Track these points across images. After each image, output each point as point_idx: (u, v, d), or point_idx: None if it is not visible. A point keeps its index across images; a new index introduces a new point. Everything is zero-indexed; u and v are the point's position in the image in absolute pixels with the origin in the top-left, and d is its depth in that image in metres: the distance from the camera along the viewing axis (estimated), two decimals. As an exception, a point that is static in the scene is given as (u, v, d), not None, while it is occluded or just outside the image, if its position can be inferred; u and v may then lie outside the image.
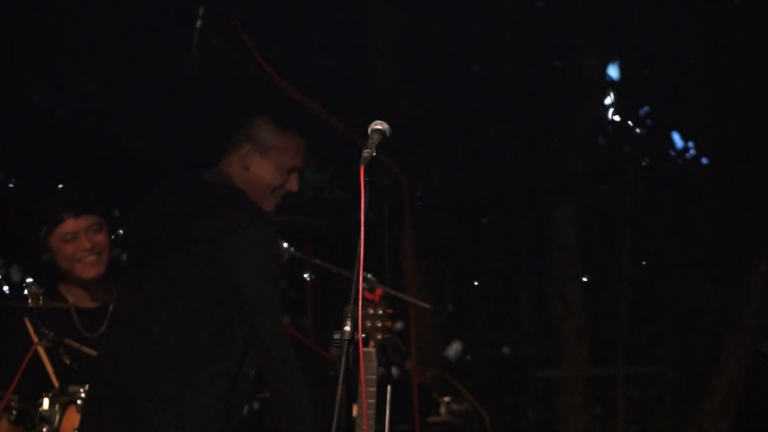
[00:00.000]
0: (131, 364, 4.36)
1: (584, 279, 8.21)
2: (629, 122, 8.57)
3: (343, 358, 3.97)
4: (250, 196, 4.44)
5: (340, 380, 3.96)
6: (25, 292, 5.60)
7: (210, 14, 6.28)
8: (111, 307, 5.72)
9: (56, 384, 5.56)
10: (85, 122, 8.07)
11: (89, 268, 5.86)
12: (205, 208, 4.40)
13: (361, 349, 4.00)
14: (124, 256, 4.46)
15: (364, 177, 4.16)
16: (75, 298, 5.86)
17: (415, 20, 8.05)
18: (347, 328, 3.99)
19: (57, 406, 5.55)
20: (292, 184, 4.45)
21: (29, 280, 7.83)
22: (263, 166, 4.44)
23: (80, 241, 5.84)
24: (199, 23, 6.18)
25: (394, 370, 6.95)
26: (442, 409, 6.69)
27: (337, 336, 4.01)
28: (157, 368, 4.33)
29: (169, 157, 8.21)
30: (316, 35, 8.11)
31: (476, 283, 8.80)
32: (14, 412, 5.52)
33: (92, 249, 5.87)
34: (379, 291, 6.30)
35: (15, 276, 8.35)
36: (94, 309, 5.79)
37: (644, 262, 8.55)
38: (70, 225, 5.84)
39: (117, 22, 7.68)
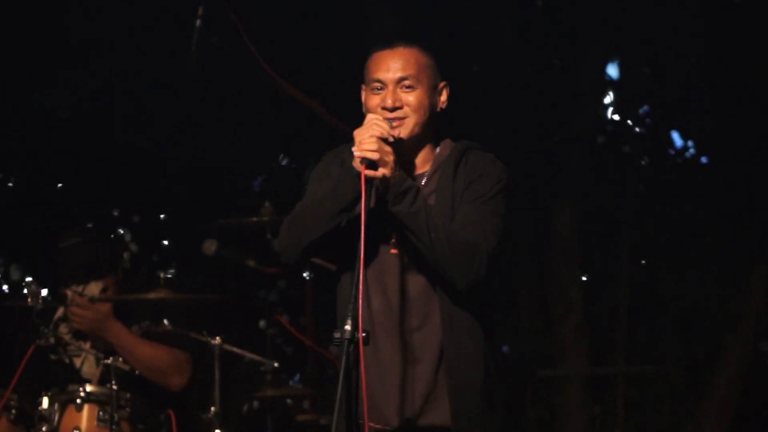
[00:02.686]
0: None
1: (584, 278, 8.21)
2: (629, 121, 8.57)
3: (344, 357, 3.97)
4: None
5: (341, 379, 3.96)
6: (24, 291, 5.62)
7: (210, 14, 6.29)
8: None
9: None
10: (85, 122, 8.08)
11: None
12: None
13: (362, 348, 4.00)
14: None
15: (365, 177, 4.17)
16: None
17: (415, 20, 8.05)
18: (347, 327, 3.99)
19: (56, 405, 5.57)
20: (384, 99, 4.20)
21: (28, 279, 7.88)
22: (365, 100, 4.30)
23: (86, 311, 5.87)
24: (198, 23, 6.19)
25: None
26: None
27: (337, 335, 4.01)
28: None
29: (169, 157, 8.22)
30: (316, 35, 8.11)
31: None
32: (13, 411, 5.54)
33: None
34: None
35: (14, 275, 8.37)
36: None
37: (644, 261, 8.55)
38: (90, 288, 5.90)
39: (117, 22, 7.69)
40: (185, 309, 6.03)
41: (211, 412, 5.89)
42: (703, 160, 8.63)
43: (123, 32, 7.76)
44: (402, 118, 4.20)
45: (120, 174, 8.11)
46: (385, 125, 4.13)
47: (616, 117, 8.68)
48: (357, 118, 4.27)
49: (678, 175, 8.56)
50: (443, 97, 4.32)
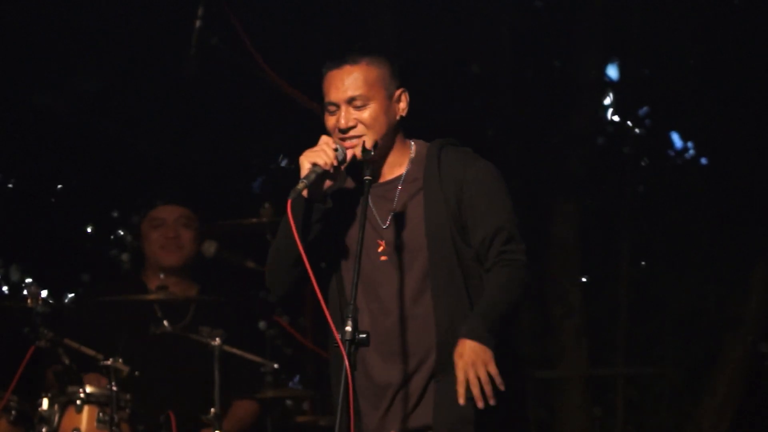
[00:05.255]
0: None
1: (583, 279, 8.20)
2: (628, 122, 8.56)
3: (345, 359, 3.97)
4: None
5: (342, 380, 3.95)
6: (24, 292, 5.62)
7: (209, 14, 6.29)
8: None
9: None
10: (85, 122, 8.07)
11: (170, 256, 6.08)
12: None
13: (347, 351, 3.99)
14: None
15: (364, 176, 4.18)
16: (156, 281, 6.03)
17: (415, 21, 8.04)
18: (347, 329, 3.98)
19: (56, 407, 5.57)
20: (338, 121, 4.20)
21: (28, 280, 7.88)
22: (324, 121, 4.29)
23: (166, 229, 6.06)
24: (198, 23, 6.20)
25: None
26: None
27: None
28: None
29: (169, 157, 8.21)
30: (316, 36, 8.10)
31: (475, 283, 8.77)
32: (13, 412, 5.54)
33: (175, 238, 6.07)
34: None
35: (14, 276, 8.36)
36: (175, 299, 5.94)
37: (643, 263, 8.53)
38: (160, 211, 6.09)
39: (116, 22, 7.69)
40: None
41: (211, 413, 5.90)
42: (703, 161, 8.62)
43: (123, 32, 7.76)
44: (359, 136, 4.20)
45: (119, 175, 8.10)
46: (330, 154, 4.12)
47: (616, 118, 8.67)
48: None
49: (678, 176, 8.54)
50: (402, 104, 4.28)
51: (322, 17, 8.04)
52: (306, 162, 4.13)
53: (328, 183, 4.19)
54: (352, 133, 4.20)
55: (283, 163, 8.79)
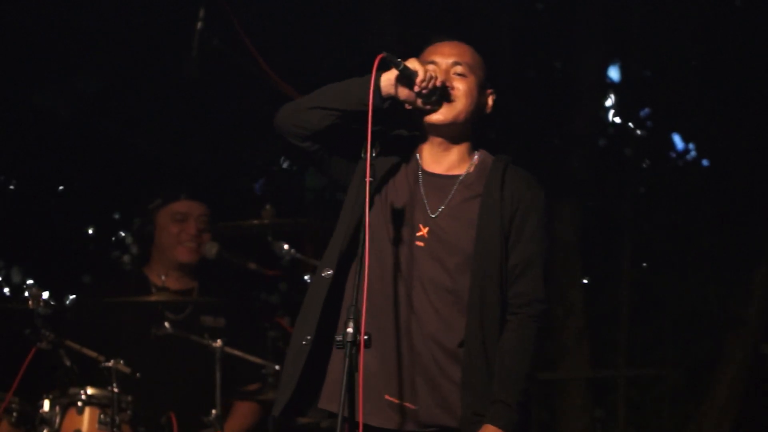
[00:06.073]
0: None
1: (584, 280, 8.20)
2: (630, 124, 8.57)
3: (347, 360, 3.96)
4: None
5: (343, 380, 3.95)
6: (26, 294, 5.62)
7: (210, 15, 6.29)
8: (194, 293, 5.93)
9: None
10: (85, 122, 8.07)
11: (187, 254, 6.08)
12: None
13: (362, 350, 3.99)
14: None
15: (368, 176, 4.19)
16: (158, 279, 6.01)
17: (415, 21, 8.04)
18: (350, 330, 3.98)
19: (57, 408, 5.57)
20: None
21: (30, 281, 7.88)
22: None
23: (188, 225, 6.04)
24: (199, 25, 6.20)
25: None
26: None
27: (339, 338, 4.01)
28: None
29: (169, 157, 8.21)
30: (317, 37, 8.10)
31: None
32: (15, 414, 5.54)
33: (198, 236, 6.06)
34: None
35: (15, 278, 8.36)
36: (176, 291, 5.93)
37: (645, 264, 8.55)
38: (183, 205, 6.06)
39: (116, 22, 7.68)
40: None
41: (213, 415, 5.90)
42: (704, 162, 8.63)
43: (123, 33, 7.76)
44: (450, 100, 4.27)
45: (120, 176, 8.10)
46: (435, 79, 4.17)
47: (617, 119, 8.68)
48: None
49: (679, 177, 8.55)
50: (490, 102, 4.39)
51: (322, 17, 8.03)
52: (413, 63, 4.17)
53: (404, 93, 4.20)
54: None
55: (285, 165, 8.79)
